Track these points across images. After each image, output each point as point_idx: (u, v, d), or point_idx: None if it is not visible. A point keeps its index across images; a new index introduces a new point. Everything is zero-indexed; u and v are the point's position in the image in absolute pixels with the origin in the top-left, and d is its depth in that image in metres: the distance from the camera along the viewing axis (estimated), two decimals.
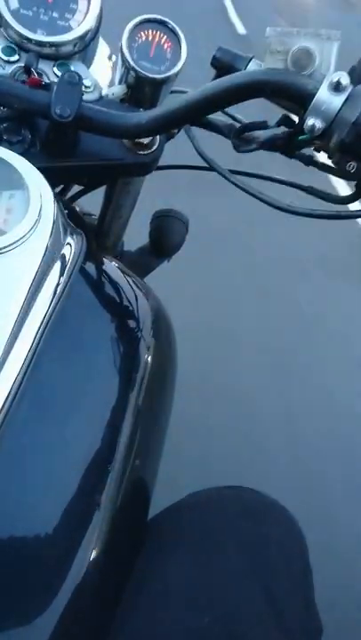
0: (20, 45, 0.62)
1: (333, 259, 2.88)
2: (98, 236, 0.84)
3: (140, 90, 0.65)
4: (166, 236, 0.91)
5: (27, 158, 0.52)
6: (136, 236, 0.94)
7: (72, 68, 0.63)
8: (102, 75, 0.72)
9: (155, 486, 0.58)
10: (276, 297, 2.53)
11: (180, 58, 0.64)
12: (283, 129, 0.57)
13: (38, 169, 0.52)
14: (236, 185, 0.58)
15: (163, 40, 0.63)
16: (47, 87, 0.58)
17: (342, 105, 0.48)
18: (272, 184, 0.69)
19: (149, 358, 0.60)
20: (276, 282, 2.62)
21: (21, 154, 0.53)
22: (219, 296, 2.42)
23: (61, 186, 0.73)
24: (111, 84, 0.70)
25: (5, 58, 0.61)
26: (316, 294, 2.61)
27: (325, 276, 2.74)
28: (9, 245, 0.46)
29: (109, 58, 0.78)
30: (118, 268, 0.66)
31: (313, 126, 0.50)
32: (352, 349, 2.38)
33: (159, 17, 0.63)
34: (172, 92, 0.68)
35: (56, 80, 0.60)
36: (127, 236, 0.91)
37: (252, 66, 0.59)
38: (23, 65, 0.60)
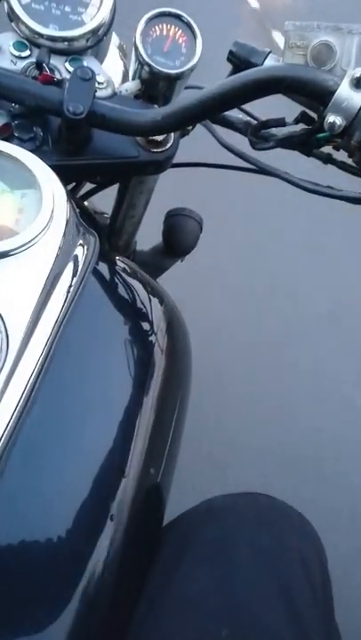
0: (31, 40, 0.61)
1: None
2: (110, 236, 0.83)
3: (155, 86, 0.64)
4: (180, 235, 0.90)
5: (38, 156, 0.51)
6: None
7: (85, 64, 0.61)
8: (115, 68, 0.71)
9: (170, 492, 0.57)
10: None
11: (195, 53, 0.62)
12: (301, 126, 0.56)
13: (50, 167, 0.50)
14: (268, 172, 0.59)
15: (178, 34, 0.62)
16: (59, 83, 0.57)
17: None
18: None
19: (163, 362, 0.59)
20: None
21: (33, 151, 0.52)
22: None
23: (73, 184, 0.72)
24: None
25: (17, 53, 0.60)
26: None
27: None
28: (21, 246, 0.45)
29: (120, 49, 0.77)
30: (131, 268, 0.65)
31: (333, 124, 0.48)
32: None
33: (174, 10, 0.62)
34: (186, 87, 0.66)
35: (68, 76, 0.59)
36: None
37: (270, 61, 0.57)
38: (35, 60, 0.59)
